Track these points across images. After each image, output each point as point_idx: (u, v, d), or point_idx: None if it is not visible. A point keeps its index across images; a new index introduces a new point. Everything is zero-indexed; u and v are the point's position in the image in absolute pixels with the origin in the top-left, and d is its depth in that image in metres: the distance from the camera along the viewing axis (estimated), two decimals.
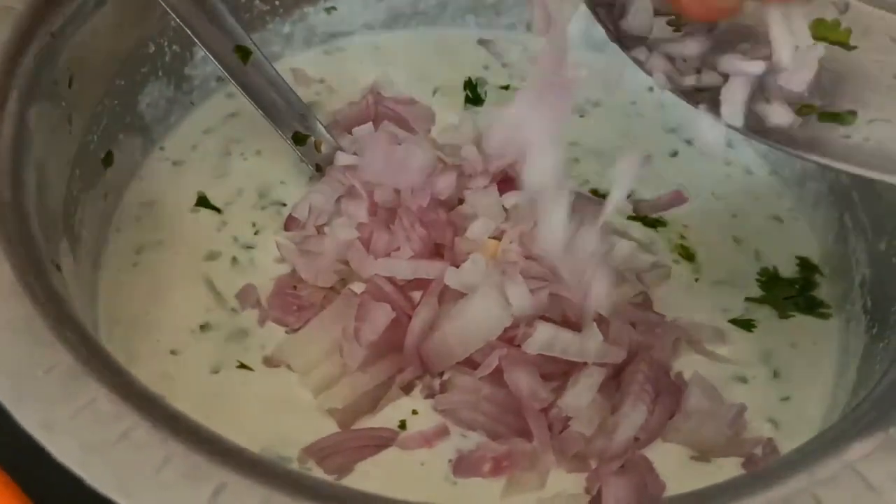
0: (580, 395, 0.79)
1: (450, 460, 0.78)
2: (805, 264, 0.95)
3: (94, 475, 0.50)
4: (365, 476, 0.76)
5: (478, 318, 0.82)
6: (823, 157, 0.59)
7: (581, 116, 1.09)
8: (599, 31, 1.14)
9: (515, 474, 0.77)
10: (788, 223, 1.00)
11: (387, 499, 0.56)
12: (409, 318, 0.84)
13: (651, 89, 1.12)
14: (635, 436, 0.79)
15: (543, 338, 0.81)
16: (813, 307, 0.91)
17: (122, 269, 0.89)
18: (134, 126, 0.96)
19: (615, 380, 0.83)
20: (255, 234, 0.93)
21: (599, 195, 1.00)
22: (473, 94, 1.10)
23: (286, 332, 0.86)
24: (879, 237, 0.85)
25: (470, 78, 1.11)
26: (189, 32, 0.88)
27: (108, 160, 0.91)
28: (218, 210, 0.95)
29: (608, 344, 0.82)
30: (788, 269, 0.95)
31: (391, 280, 0.87)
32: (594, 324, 0.82)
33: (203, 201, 0.95)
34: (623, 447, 0.78)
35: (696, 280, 0.94)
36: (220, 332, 0.85)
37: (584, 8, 1.13)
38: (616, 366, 0.83)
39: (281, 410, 0.80)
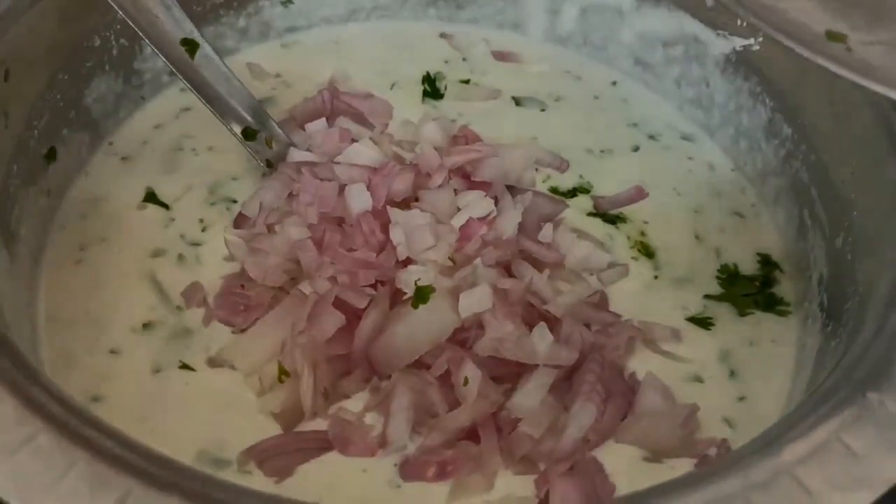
0: (529, 397, 0.78)
1: (395, 464, 0.76)
2: (766, 261, 0.94)
3: None
4: (305, 479, 0.74)
5: (427, 320, 0.80)
6: None
7: (542, 111, 1.07)
8: (562, 25, 1.14)
9: (461, 477, 0.75)
10: (750, 219, 0.98)
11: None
12: (359, 319, 0.82)
13: (614, 83, 1.11)
14: (586, 437, 0.77)
15: (493, 339, 0.79)
16: (772, 304, 0.90)
17: (65, 267, 0.87)
18: (80, 121, 0.94)
19: (568, 380, 0.81)
20: (203, 230, 0.91)
21: (559, 193, 0.98)
22: (432, 89, 1.08)
23: (232, 333, 0.84)
24: (836, 233, 0.84)
25: (428, 72, 1.09)
26: (131, 24, 0.85)
27: (50, 156, 0.89)
28: (166, 206, 0.93)
29: (559, 345, 0.80)
30: (749, 266, 0.93)
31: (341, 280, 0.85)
32: (544, 325, 0.80)
33: (151, 197, 0.93)
34: (571, 448, 0.76)
35: (656, 277, 0.92)
36: (163, 332, 0.83)
37: (545, 4, 1.13)
38: (569, 366, 0.81)
39: (223, 412, 0.78)
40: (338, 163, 0.94)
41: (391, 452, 0.76)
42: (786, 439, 0.55)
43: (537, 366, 0.79)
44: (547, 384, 0.78)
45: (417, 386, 0.79)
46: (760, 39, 0.95)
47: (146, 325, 0.83)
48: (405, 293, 0.83)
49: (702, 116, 1.05)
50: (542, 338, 0.80)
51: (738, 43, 0.98)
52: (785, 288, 0.91)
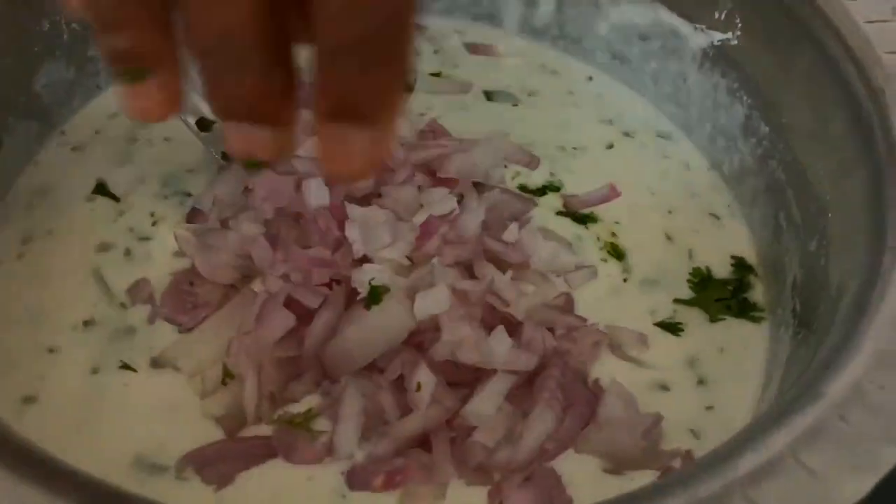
0: (484, 404, 0.74)
1: (342, 473, 0.72)
2: (740, 264, 0.90)
3: None
4: (246, 487, 0.71)
5: (380, 322, 0.77)
6: None
7: (514, 105, 1.03)
8: (538, 17, 1.10)
9: (411, 487, 0.71)
10: (725, 221, 0.94)
11: None
12: (312, 320, 0.78)
13: (590, 79, 1.08)
14: (544, 446, 0.74)
15: (449, 343, 0.76)
16: (745, 310, 0.86)
17: (6, 261, 0.83)
18: (29, 109, 0.90)
19: (528, 387, 0.77)
20: (154, 224, 0.87)
21: (528, 191, 0.94)
22: None
23: (179, 332, 0.80)
24: (811, 236, 0.80)
25: None
26: None
27: None
28: (116, 199, 0.89)
29: (519, 349, 0.77)
30: (722, 270, 0.90)
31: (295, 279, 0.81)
32: (502, 328, 0.77)
33: (101, 189, 0.90)
34: (527, 458, 0.73)
35: (625, 280, 0.88)
36: (104, 330, 0.79)
37: None
38: (530, 372, 0.77)
39: (163, 415, 0.74)
40: (297, 156, 0.90)
41: (338, 460, 0.73)
42: (739, 455, 0.51)
43: (495, 371, 0.76)
44: (504, 391, 0.75)
45: (368, 391, 0.75)
46: (739, 34, 0.91)
47: (87, 323, 0.79)
48: (360, 293, 0.79)
49: (679, 113, 1.01)
50: (500, 342, 0.76)
51: (716, 37, 0.94)
52: (758, 293, 0.88)
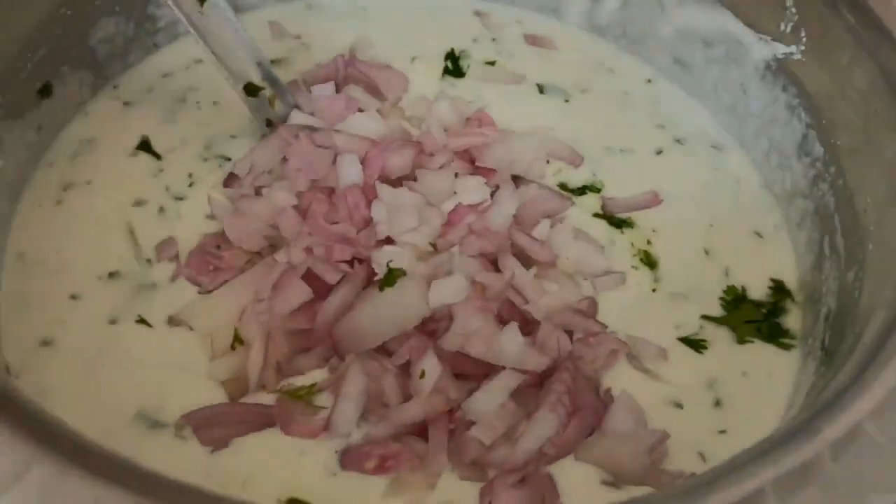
0: (486, 400, 0.73)
1: (336, 451, 0.72)
2: (779, 288, 0.86)
3: None
4: (240, 453, 0.71)
5: (394, 305, 0.76)
6: None
7: (566, 101, 1.01)
8: (602, 13, 1.07)
9: (402, 474, 0.71)
10: (769, 241, 0.90)
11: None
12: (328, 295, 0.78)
13: (649, 81, 1.05)
14: (543, 450, 0.72)
15: (459, 334, 0.75)
16: (777, 335, 0.82)
17: (44, 205, 0.85)
18: (82, 60, 0.92)
19: (538, 388, 0.76)
20: (190, 185, 0.88)
21: (568, 189, 0.92)
22: (454, 66, 1.03)
23: (198, 293, 0.81)
24: (850, 266, 0.76)
25: (453, 49, 1.04)
26: None
27: (45, 92, 0.87)
28: (158, 156, 0.91)
29: (531, 348, 0.75)
30: (759, 292, 0.86)
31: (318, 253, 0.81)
32: (515, 325, 0.75)
33: (144, 145, 0.91)
34: (523, 459, 0.71)
35: (654, 290, 0.85)
36: (127, 283, 0.81)
37: None
38: (541, 373, 0.75)
39: (171, 373, 0.75)
40: (338, 131, 0.90)
41: (334, 437, 0.72)
42: (718, 488, 0.49)
43: (503, 367, 0.74)
44: (508, 389, 0.73)
45: (374, 372, 0.75)
46: (803, 48, 0.87)
47: (112, 274, 0.81)
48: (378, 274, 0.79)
49: (736, 125, 0.98)
50: (511, 338, 0.75)
51: (780, 50, 0.90)
52: (794, 319, 0.84)
